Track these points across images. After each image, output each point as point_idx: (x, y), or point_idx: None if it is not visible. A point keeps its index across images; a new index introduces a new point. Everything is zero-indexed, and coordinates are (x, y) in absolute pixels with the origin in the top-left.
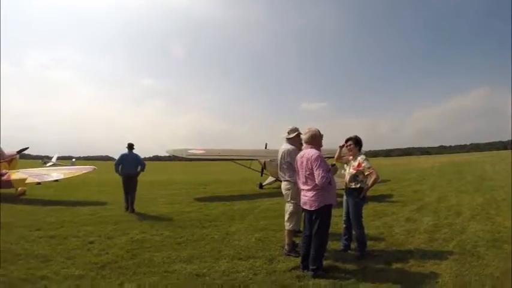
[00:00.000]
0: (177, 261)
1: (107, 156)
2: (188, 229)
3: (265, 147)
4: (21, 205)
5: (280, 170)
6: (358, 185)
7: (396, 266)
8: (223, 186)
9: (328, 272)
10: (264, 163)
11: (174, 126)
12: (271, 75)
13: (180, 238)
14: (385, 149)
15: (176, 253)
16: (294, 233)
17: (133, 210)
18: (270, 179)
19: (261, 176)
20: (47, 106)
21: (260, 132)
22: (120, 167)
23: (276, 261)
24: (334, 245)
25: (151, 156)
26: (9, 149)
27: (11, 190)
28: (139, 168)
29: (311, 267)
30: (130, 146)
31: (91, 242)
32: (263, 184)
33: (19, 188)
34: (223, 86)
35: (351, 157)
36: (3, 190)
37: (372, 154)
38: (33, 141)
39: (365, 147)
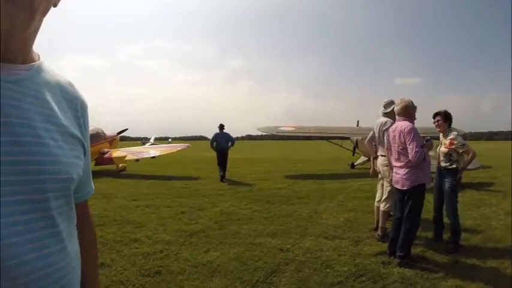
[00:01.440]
0: (262, 235)
1: (201, 136)
2: (277, 205)
3: (357, 125)
4: (121, 179)
5: (379, 145)
6: (453, 165)
7: (491, 264)
8: (314, 164)
9: (415, 262)
10: (356, 141)
11: (265, 106)
12: (363, 49)
13: (268, 213)
14: (488, 131)
15: (263, 227)
16: (388, 215)
17: (224, 177)
18: (362, 158)
19: (353, 155)
20: (142, 93)
21: (352, 109)
22: (214, 143)
23: (362, 244)
24: (424, 232)
25: (244, 135)
26: (110, 132)
27: (113, 166)
28: (229, 144)
29: (398, 253)
30: (221, 126)
31: (183, 212)
32: (355, 164)
33: (120, 165)
34: (314, 63)
35: (441, 134)
36: (106, 166)
37: (473, 136)
38: (131, 125)
39: (466, 128)
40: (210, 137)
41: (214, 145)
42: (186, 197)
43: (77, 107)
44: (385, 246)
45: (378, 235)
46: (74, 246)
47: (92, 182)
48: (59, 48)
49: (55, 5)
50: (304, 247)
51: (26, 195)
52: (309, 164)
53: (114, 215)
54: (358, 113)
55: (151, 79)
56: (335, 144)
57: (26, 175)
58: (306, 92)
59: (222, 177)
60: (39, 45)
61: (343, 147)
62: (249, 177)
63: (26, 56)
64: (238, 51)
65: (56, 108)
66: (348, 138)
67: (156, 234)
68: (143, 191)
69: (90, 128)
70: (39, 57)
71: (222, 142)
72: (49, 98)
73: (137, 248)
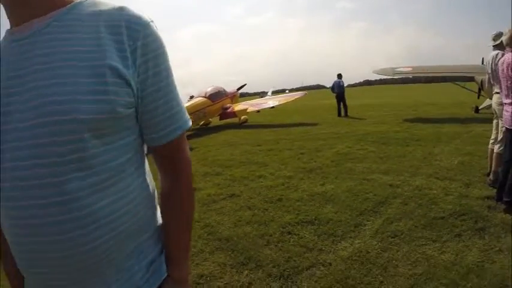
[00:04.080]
0: (375, 172)
1: (318, 84)
2: (392, 146)
3: (482, 63)
4: (244, 129)
5: (493, 81)
6: None
7: None
8: (435, 108)
9: None
10: (481, 82)
11: (382, 47)
12: None
13: (382, 154)
14: None
15: (376, 165)
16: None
17: (346, 115)
18: (488, 101)
19: (478, 98)
20: (252, 49)
21: (478, 46)
22: (335, 89)
23: (472, 187)
24: None
25: (362, 80)
26: (230, 89)
27: (236, 120)
28: (343, 89)
29: (504, 199)
30: (339, 76)
31: (302, 153)
32: (479, 108)
33: (242, 117)
34: None
35: None
36: (229, 120)
37: None
38: (249, 81)
39: None
40: (327, 85)
41: (333, 90)
42: (305, 140)
43: (120, 31)
44: (495, 191)
45: (490, 179)
46: (105, 200)
47: (180, 122)
48: (173, 22)
49: None
50: (413, 184)
51: (28, 141)
52: (430, 108)
53: (241, 158)
54: (485, 50)
55: (259, 34)
56: (458, 85)
57: (25, 124)
58: (424, 28)
59: (341, 115)
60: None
61: (467, 89)
62: (366, 121)
63: (51, 5)
64: None
65: (81, 41)
66: (472, 78)
67: (278, 171)
68: (265, 138)
69: (211, 88)
70: None
71: (338, 88)
72: (76, 34)
73: (262, 182)
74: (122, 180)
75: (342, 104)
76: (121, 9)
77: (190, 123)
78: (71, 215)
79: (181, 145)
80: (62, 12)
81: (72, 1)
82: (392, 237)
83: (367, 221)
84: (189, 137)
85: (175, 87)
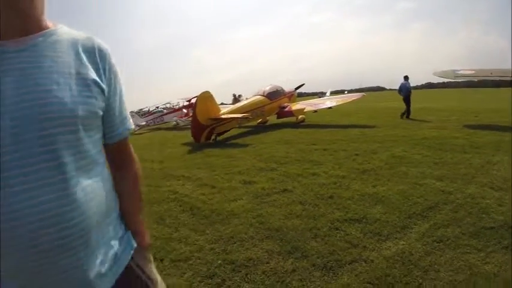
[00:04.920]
0: (428, 177)
1: (378, 86)
2: (449, 152)
3: None
4: (301, 129)
5: None
6: None
7: None
8: (498, 115)
9: None
10: None
11: (445, 48)
12: None
13: (438, 159)
14: None
15: (430, 170)
16: None
17: (408, 117)
18: None
19: None
20: (314, 48)
21: None
22: (401, 92)
23: None
24: None
25: (424, 83)
26: (288, 88)
27: (293, 119)
28: (409, 92)
29: None
30: (405, 77)
31: (357, 155)
32: None
33: (299, 116)
34: None
35: None
36: (287, 119)
37: None
38: (308, 81)
39: None
40: (387, 87)
41: (400, 92)
42: (361, 142)
43: (94, 55)
44: None
45: None
46: (88, 180)
47: (128, 124)
48: (233, 20)
49: None
50: (466, 192)
51: (31, 134)
52: (493, 115)
53: (296, 156)
54: None
55: (318, 34)
56: None
57: (31, 118)
58: (489, 28)
59: (403, 115)
60: (216, 21)
61: None
62: (425, 125)
63: (34, 27)
64: None
65: (68, 59)
66: None
67: (332, 170)
68: (321, 137)
69: (269, 87)
70: (55, 26)
71: (405, 90)
72: (61, 53)
73: (315, 180)
74: (97, 166)
75: (408, 104)
76: (91, 38)
77: (133, 125)
78: (65, 192)
79: (128, 142)
80: (48, 33)
81: (50, 27)
82: (437, 242)
83: (415, 224)
84: (246, 134)
85: (124, 99)
